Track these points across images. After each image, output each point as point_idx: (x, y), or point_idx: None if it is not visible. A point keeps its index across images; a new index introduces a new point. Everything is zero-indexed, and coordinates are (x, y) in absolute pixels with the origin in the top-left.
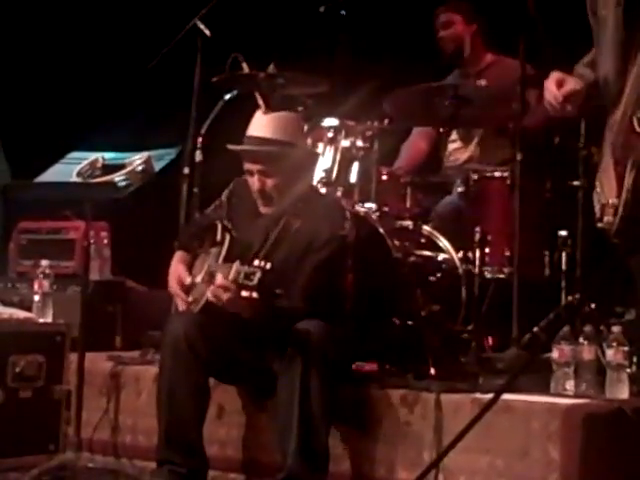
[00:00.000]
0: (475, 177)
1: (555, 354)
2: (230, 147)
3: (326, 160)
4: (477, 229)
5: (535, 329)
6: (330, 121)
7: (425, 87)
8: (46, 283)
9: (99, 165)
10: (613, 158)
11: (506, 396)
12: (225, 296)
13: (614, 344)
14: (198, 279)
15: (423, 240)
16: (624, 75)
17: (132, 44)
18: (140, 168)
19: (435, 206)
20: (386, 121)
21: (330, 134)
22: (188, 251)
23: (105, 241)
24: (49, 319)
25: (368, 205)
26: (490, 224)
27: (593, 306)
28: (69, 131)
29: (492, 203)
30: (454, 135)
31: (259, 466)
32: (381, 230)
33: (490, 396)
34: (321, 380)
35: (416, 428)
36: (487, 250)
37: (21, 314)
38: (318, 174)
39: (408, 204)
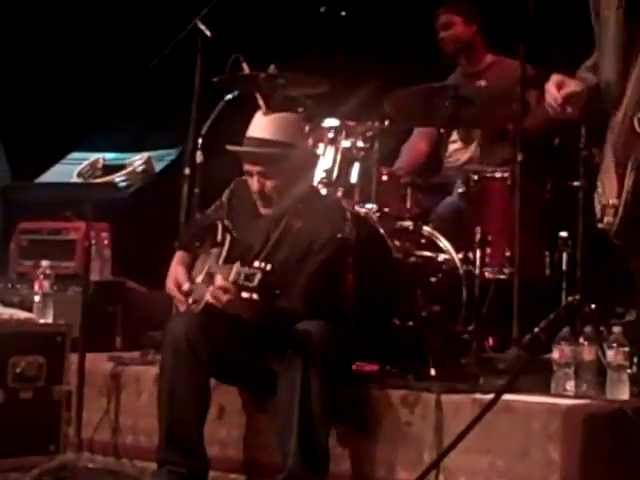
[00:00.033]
0: (475, 178)
1: (555, 355)
2: (230, 148)
3: (326, 161)
4: (477, 230)
5: (535, 330)
6: (330, 122)
7: (426, 87)
8: (46, 284)
9: (100, 166)
10: (614, 159)
11: (506, 396)
12: (224, 297)
13: (614, 345)
14: (198, 280)
15: (423, 241)
16: (626, 77)
17: (132, 45)
18: (141, 169)
19: (435, 207)
20: (387, 122)
21: (330, 135)
22: (188, 251)
23: (106, 242)
24: (49, 320)
25: (368, 206)
26: (490, 225)
27: (593, 307)
28: (70, 132)
29: (492, 204)
30: (454, 136)
31: (259, 466)
32: (381, 231)
33: (491, 397)
34: (321, 380)
35: (416, 428)
36: (487, 251)
37: (21, 315)
38: (319, 175)
39: (408, 205)
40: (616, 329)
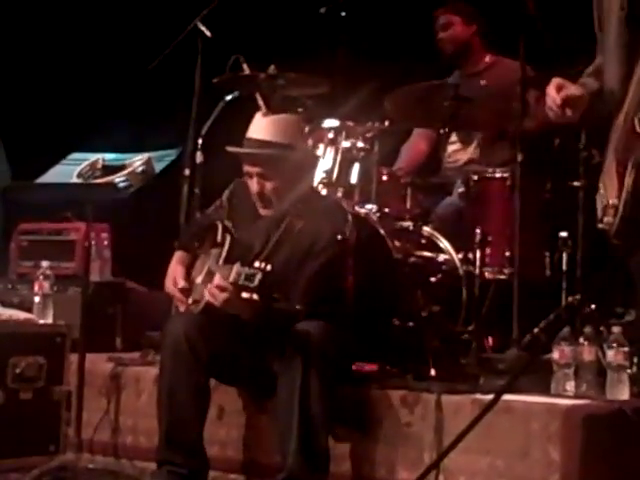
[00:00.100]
0: (475, 178)
1: (555, 355)
2: (229, 149)
3: (326, 161)
4: (477, 230)
5: (535, 330)
6: (331, 122)
7: (425, 85)
8: (46, 284)
9: (99, 166)
10: (615, 160)
11: (506, 397)
12: (222, 296)
13: (614, 345)
14: (198, 280)
15: (424, 241)
16: (628, 79)
17: (133, 45)
18: (140, 169)
19: (435, 207)
20: (386, 122)
21: (330, 135)
22: (188, 251)
23: (105, 242)
24: (49, 320)
25: (368, 206)
26: (490, 225)
27: (593, 307)
28: (70, 132)
29: (492, 204)
30: (454, 137)
31: (259, 467)
32: (381, 231)
33: (490, 397)
34: (321, 381)
35: (416, 429)
36: (487, 251)
37: (21, 315)
38: (319, 175)
39: (408, 205)
40: (616, 329)
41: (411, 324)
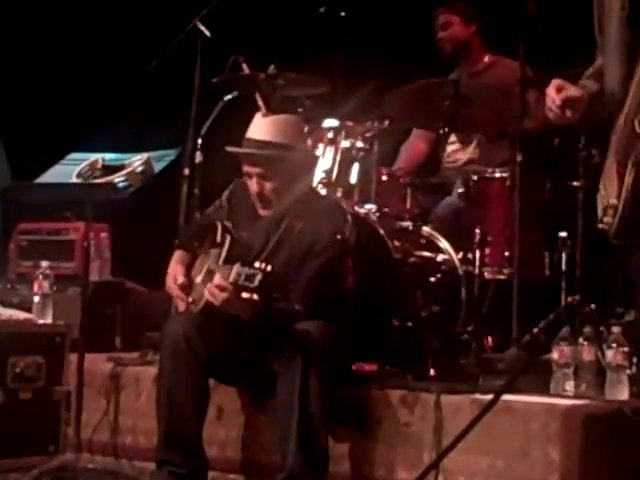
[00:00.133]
0: (475, 178)
1: (555, 355)
2: (229, 149)
3: (326, 161)
4: (477, 230)
5: (535, 330)
6: (330, 122)
7: (425, 83)
8: (46, 284)
9: (99, 166)
10: (616, 160)
11: (506, 397)
12: (221, 295)
13: (614, 345)
14: (198, 280)
15: (423, 241)
16: (629, 80)
17: (132, 45)
18: (140, 169)
19: (435, 207)
20: (386, 122)
21: (330, 135)
22: (188, 250)
23: (105, 242)
24: (49, 320)
25: (368, 206)
26: (490, 225)
27: (593, 307)
28: (69, 132)
29: (492, 204)
30: (453, 137)
31: (259, 467)
32: (381, 231)
33: (490, 397)
34: (321, 380)
35: (416, 429)
36: (487, 251)
37: (21, 315)
38: (318, 175)
39: (408, 205)
40: (615, 329)
41: (411, 324)
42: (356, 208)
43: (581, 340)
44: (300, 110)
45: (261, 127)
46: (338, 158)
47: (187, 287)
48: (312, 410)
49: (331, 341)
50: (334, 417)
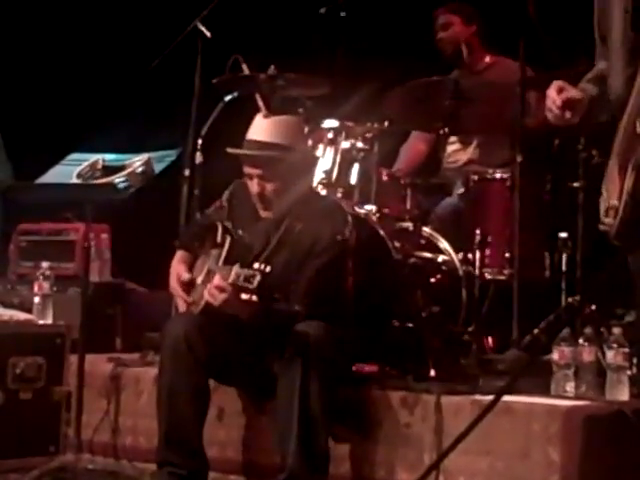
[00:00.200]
0: (475, 178)
1: (555, 356)
2: (230, 151)
3: (326, 162)
4: (477, 230)
5: (535, 331)
6: (330, 122)
7: (425, 82)
8: (46, 285)
9: (99, 167)
10: (618, 163)
11: (506, 398)
12: (221, 297)
13: (614, 346)
14: (198, 281)
15: (423, 242)
16: (633, 82)
17: (132, 46)
18: (140, 170)
19: (435, 208)
20: (386, 123)
21: (330, 135)
22: (189, 251)
23: (105, 243)
24: (49, 321)
25: (368, 207)
26: (490, 225)
27: (593, 308)
28: (69, 133)
29: (492, 204)
30: (453, 137)
31: (259, 468)
32: (381, 232)
33: (490, 398)
34: (321, 381)
35: (416, 430)
36: (487, 252)
37: (21, 316)
38: (318, 176)
39: (408, 206)
40: (616, 330)
41: (411, 325)
42: (356, 209)
43: (581, 341)
44: (300, 111)
45: (262, 128)
46: (338, 159)
47: (191, 285)
48: (312, 411)
49: (331, 342)
50: (334, 418)
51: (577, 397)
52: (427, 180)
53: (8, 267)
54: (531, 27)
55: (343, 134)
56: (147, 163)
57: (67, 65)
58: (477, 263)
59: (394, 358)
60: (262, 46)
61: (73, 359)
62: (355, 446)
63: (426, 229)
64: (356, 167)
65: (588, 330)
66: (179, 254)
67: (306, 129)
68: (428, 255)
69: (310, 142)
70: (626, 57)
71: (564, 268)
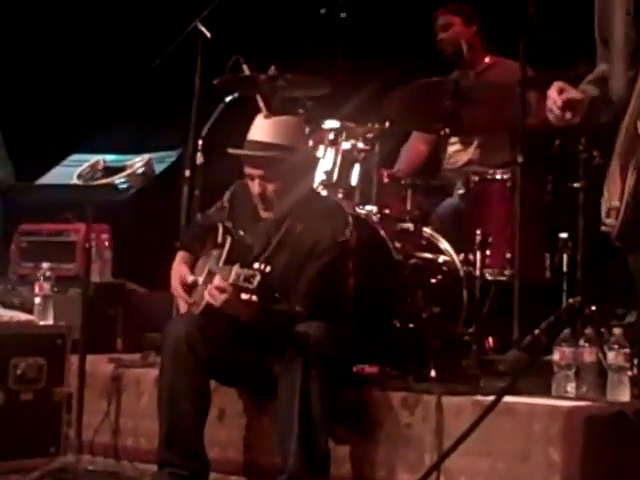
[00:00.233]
0: (476, 179)
1: (556, 356)
2: (231, 151)
3: (327, 162)
4: (478, 231)
5: (536, 331)
6: (331, 123)
7: (425, 82)
8: (47, 285)
9: (100, 167)
10: (619, 164)
11: (507, 398)
12: (221, 297)
13: (615, 346)
14: (199, 281)
15: (424, 242)
16: (634, 83)
17: (133, 46)
18: (141, 170)
19: (436, 208)
20: (387, 123)
21: (331, 136)
22: (190, 251)
23: (106, 243)
24: (50, 321)
25: (369, 207)
26: (491, 226)
27: (594, 308)
28: (70, 133)
29: (493, 205)
30: (454, 137)
31: (260, 468)
32: (382, 233)
33: (491, 399)
34: (321, 382)
35: (417, 430)
36: (488, 252)
37: (22, 316)
38: (319, 176)
39: (409, 206)
40: (617, 331)
41: (411, 325)
42: (357, 209)
43: (582, 342)
44: (301, 111)
45: (263, 129)
46: (339, 159)
47: (192, 286)
48: (313, 412)
49: (332, 342)
50: (335, 419)
51: (578, 398)
52: (428, 181)
53: (9, 268)
54: (531, 27)
55: (344, 135)
56: (148, 164)
57: (68, 66)
58: (478, 264)
59: (395, 358)
60: (262, 47)
61: (74, 360)
62: (356, 447)
63: (427, 230)
64: (357, 168)
65: (589, 331)
66: (180, 255)
67: (307, 130)
68: (429, 256)
69: (311, 143)
70: (627, 59)
71: (565, 269)
